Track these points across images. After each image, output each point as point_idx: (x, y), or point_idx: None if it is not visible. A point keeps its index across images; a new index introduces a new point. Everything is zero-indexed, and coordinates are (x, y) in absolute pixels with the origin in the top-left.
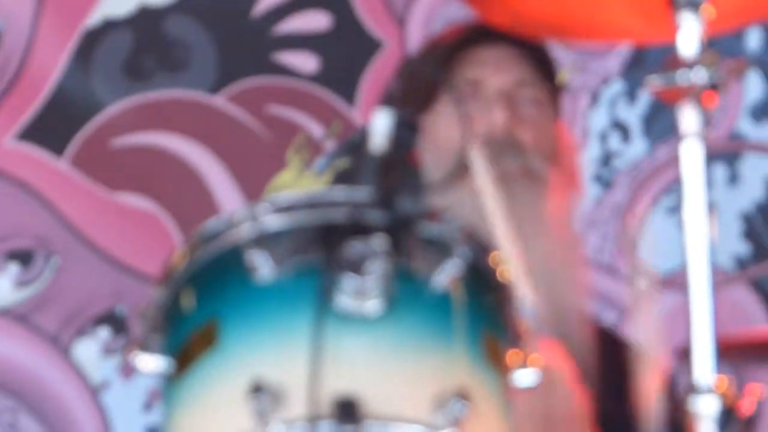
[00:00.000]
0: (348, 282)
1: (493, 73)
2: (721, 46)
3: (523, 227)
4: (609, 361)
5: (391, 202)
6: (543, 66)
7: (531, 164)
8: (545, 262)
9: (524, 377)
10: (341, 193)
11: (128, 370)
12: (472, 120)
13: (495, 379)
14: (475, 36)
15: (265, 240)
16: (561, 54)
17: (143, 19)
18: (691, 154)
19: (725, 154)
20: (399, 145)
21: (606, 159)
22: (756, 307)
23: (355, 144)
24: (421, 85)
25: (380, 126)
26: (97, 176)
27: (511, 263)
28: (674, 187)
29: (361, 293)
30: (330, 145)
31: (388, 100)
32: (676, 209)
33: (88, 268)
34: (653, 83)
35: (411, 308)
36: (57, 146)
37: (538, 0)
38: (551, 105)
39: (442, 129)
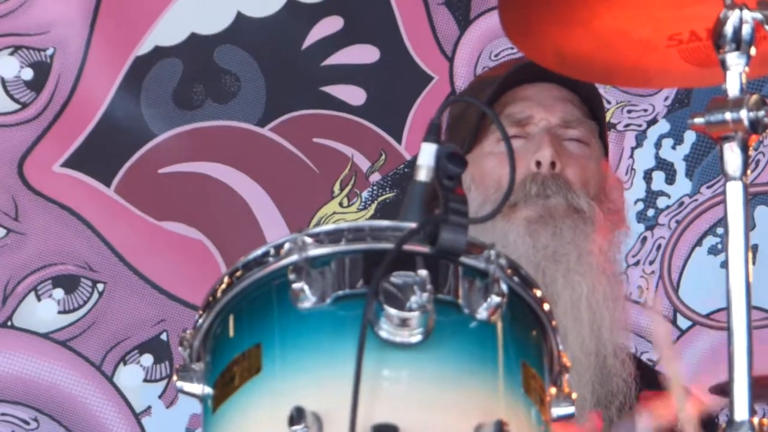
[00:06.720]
0: (391, 312)
1: (540, 111)
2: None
3: (568, 264)
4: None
5: (436, 234)
6: (589, 105)
7: (576, 202)
8: (589, 299)
9: (561, 410)
10: (386, 224)
11: (171, 397)
12: (518, 157)
13: (534, 412)
14: (522, 74)
15: (309, 269)
16: (607, 93)
17: (193, 48)
18: (735, 196)
19: None
20: (444, 177)
21: (650, 199)
22: None
23: (401, 176)
24: (469, 122)
25: (426, 159)
26: (144, 204)
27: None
28: (717, 228)
29: (403, 324)
30: (376, 177)
31: (434, 132)
32: (718, 250)
33: (133, 296)
34: (697, 123)
35: (453, 340)
36: (105, 174)
37: (585, 43)
38: (597, 144)
39: (489, 165)
